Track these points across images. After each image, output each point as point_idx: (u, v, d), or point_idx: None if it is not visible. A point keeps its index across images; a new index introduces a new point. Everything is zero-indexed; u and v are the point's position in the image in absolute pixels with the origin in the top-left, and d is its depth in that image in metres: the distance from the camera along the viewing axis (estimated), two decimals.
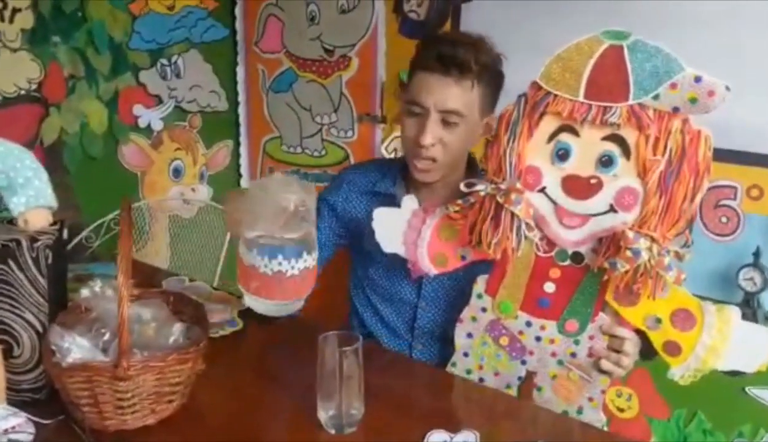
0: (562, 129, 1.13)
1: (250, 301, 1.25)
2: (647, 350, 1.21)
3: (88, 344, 1.03)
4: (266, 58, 2.83)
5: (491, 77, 1.34)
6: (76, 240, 2.42)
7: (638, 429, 2.15)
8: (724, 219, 1.91)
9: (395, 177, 1.49)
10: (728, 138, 1.70)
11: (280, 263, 1.16)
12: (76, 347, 1.01)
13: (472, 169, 1.46)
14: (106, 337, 1.08)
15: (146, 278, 1.70)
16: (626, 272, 1.10)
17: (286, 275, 1.17)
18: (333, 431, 1.08)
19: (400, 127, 1.41)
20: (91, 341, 1.06)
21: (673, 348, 1.15)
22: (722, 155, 1.14)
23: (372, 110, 2.62)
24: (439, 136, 1.32)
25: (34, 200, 1.13)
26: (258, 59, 2.85)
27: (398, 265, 1.39)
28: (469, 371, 1.30)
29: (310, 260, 1.20)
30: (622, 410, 2.16)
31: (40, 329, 1.10)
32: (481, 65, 1.30)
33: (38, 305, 1.10)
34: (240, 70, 2.89)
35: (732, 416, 2.01)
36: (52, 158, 2.49)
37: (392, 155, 2.53)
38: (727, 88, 1.03)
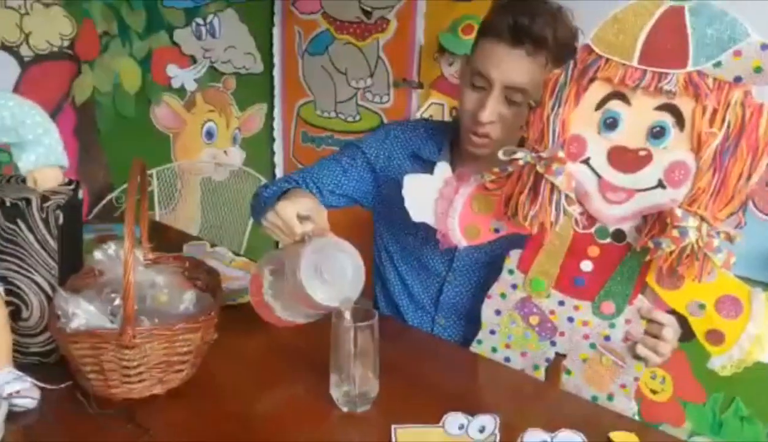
0: (612, 96, 1.04)
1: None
2: (684, 332, 1.15)
3: (94, 310, 1.00)
4: (303, 20, 2.76)
5: (567, 55, 1.19)
6: (105, 200, 2.42)
7: (671, 412, 2.09)
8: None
9: (441, 143, 1.41)
10: None
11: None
12: (81, 313, 0.98)
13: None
14: (116, 302, 1.04)
15: (170, 242, 1.69)
16: (671, 252, 1.02)
17: None
18: (346, 409, 1.03)
19: (459, 94, 1.32)
20: (100, 306, 1.02)
21: (716, 337, 1.07)
22: None
23: (409, 75, 2.55)
24: (499, 114, 1.23)
25: (44, 159, 1.09)
26: (295, 20, 2.79)
27: (432, 235, 1.31)
28: (494, 350, 1.24)
29: None
30: (655, 392, 2.09)
31: (50, 291, 1.07)
32: (559, 41, 1.19)
33: (48, 267, 1.07)
34: (276, 32, 2.84)
35: None
36: (83, 117, 2.49)
37: None
38: None
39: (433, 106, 2.48)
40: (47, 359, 1.10)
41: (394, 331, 1.30)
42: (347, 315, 1.02)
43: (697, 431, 2.05)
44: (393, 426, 0.99)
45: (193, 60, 2.72)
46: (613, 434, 1.00)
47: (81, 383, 1.03)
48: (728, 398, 1.99)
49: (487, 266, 1.34)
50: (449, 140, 1.40)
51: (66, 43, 2.38)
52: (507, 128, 1.25)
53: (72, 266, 1.12)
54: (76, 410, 1.00)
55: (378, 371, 1.04)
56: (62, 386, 1.03)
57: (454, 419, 1.01)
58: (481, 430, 0.99)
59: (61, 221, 1.06)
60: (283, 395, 1.10)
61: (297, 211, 1.12)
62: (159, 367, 1.02)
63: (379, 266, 1.52)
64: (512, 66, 1.20)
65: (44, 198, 1.05)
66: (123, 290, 0.92)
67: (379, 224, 1.51)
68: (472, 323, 1.30)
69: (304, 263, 1.02)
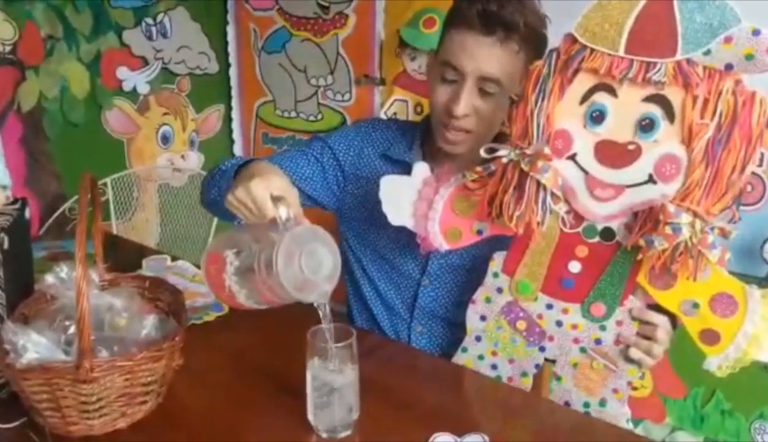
0: (597, 88, 0.99)
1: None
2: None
3: (46, 342, 0.91)
4: (258, 16, 2.68)
5: (537, 42, 1.18)
6: (57, 213, 2.31)
7: (652, 408, 2.07)
8: (748, 187, 1.77)
9: (412, 142, 1.34)
10: None
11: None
12: (32, 345, 0.89)
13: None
14: (71, 330, 0.95)
15: (128, 258, 1.61)
16: (664, 250, 0.98)
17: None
18: (325, 435, 0.96)
19: (429, 90, 1.25)
20: (53, 336, 0.94)
21: (711, 337, 1.04)
22: None
23: (370, 72, 2.49)
24: (473, 106, 1.18)
25: None
26: (249, 17, 2.70)
27: (403, 237, 1.26)
28: (481, 358, 1.19)
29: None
30: (635, 388, 2.05)
31: None
32: (530, 27, 1.14)
33: None
34: (230, 30, 2.74)
35: (753, 397, 1.92)
36: (30, 125, 2.40)
37: None
38: None
39: (396, 103, 2.43)
40: None
41: (372, 345, 1.23)
42: (326, 336, 0.94)
43: (678, 426, 2.04)
44: None
45: (145, 61, 2.63)
46: None
47: (36, 420, 0.95)
48: (709, 392, 1.98)
49: (464, 268, 1.28)
50: (419, 140, 1.34)
51: (8, 49, 2.28)
52: (482, 122, 1.20)
53: (22, 291, 1.04)
54: None
55: (358, 393, 0.97)
56: (15, 423, 0.96)
57: (441, 441, 0.95)
58: None
59: (6, 245, 0.98)
60: (258, 422, 1.02)
61: (270, 191, 1.01)
62: (121, 400, 0.94)
63: (350, 271, 1.45)
64: (484, 55, 1.14)
65: None
66: (77, 321, 0.84)
67: (344, 228, 1.43)
68: (450, 329, 1.25)
69: (281, 254, 0.91)
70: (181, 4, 2.64)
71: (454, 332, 1.23)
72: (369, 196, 1.32)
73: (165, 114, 2.72)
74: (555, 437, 0.98)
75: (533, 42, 1.16)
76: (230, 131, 2.86)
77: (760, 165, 1.75)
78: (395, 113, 2.43)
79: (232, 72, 2.79)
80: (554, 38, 1.12)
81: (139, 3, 2.55)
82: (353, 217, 1.40)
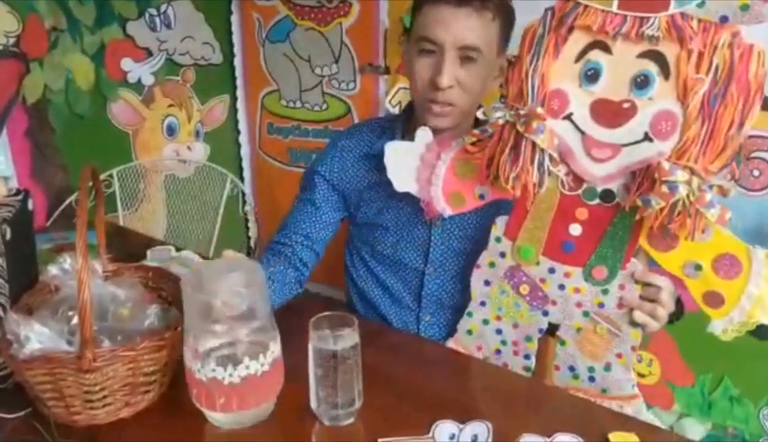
0: (592, 46, 0.99)
1: (218, 418, 0.97)
2: (671, 314, 1.10)
3: (49, 332, 0.92)
4: (261, 6, 2.67)
5: (507, 11, 1.21)
6: (64, 205, 2.32)
7: (660, 395, 2.04)
8: (756, 172, 1.74)
9: (393, 134, 1.35)
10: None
11: (247, 367, 0.93)
12: (35, 336, 0.90)
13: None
14: (74, 321, 0.95)
15: (134, 248, 1.62)
16: (661, 209, 0.97)
17: (257, 376, 0.94)
18: (328, 423, 0.96)
19: (408, 71, 1.26)
20: (56, 326, 0.94)
21: (715, 299, 1.02)
22: None
23: (375, 60, 2.46)
24: (456, 77, 1.18)
25: None
26: (253, 7, 2.69)
27: (403, 231, 1.31)
28: (486, 322, 1.19)
29: (275, 347, 0.97)
30: (642, 376, 2.04)
31: (0, 312, 0.99)
32: None
33: None
34: (235, 19, 2.73)
35: (761, 383, 1.89)
36: (36, 118, 2.39)
37: (396, 109, 2.39)
38: None
39: (401, 92, 2.41)
40: (3, 385, 1.02)
41: (374, 333, 1.23)
42: (326, 324, 0.95)
43: (686, 413, 2.01)
44: (379, 440, 0.92)
45: (149, 53, 2.61)
46: (612, 435, 0.95)
47: (41, 410, 0.96)
48: (716, 379, 1.95)
49: (465, 253, 1.29)
50: (400, 131, 1.35)
51: (12, 41, 2.26)
52: (465, 93, 1.21)
53: (25, 282, 1.04)
54: (36, 439, 0.93)
55: (361, 380, 0.96)
56: (20, 414, 0.97)
57: (444, 429, 0.95)
58: (474, 439, 0.93)
59: (8, 236, 0.98)
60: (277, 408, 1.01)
61: None
62: (124, 389, 0.94)
63: (351, 271, 1.46)
64: (461, 25, 1.16)
65: None
66: (79, 311, 0.84)
67: (352, 231, 1.47)
68: (457, 316, 1.25)
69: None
70: None
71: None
72: (363, 199, 1.36)
73: (170, 105, 2.71)
74: (558, 424, 0.96)
75: (504, 11, 1.19)
76: (236, 122, 2.85)
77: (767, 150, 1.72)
78: (400, 102, 2.41)
79: (237, 62, 2.77)
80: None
81: None
82: (355, 221, 1.42)
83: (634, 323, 1.08)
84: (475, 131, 1.08)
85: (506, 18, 1.20)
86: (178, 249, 1.64)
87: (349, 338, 0.94)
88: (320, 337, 0.94)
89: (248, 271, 0.95)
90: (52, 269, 1.04)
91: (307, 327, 0.95)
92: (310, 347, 0.95)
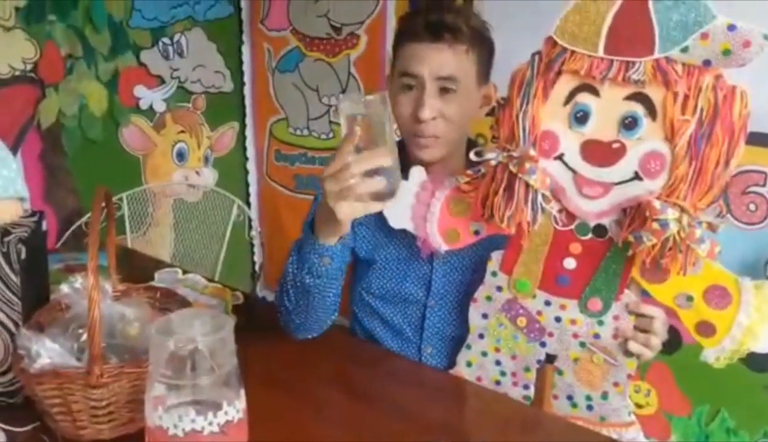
0: (580, 89, 1.02)
1: None
2: (666, 344, 1.13)
3: (59, 348, 0.95)
4: (272, 37, 2.73)
5: (483, 43, 1.26)
6: (74, 226, 2.36)
7: (657, 426, 2.04)
8: (752, 206, 1.76)
9: None
10: (757, 120, 1.57)
11: (193, 420, 0.84)
12: (45, 352, 0.93)
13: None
14: (83, 338, 0.98)
15: (141, 270, 1.64)
16: (653, 245, 1.00)
17: (203, 434, 0.84)
18: (389, 197, 1.05)
19: (393, 108, 1.29)
20: (65, 343, 0.97)
21: (707, 329, 1.05)
22: (751, 138, 1.04)
23: (381, 90, 2.49)
24: (438, 109, 1.23)
25: (2, 191, 1.04)
26: (264, 38, 2.75)
27: (404, 265, 1.32)
28: (485, 354, 1.21)
29: (233, 411, 0.87)
30: (640, 407, 2.05)
31: (13, 329, 1.02)
32: (472, 29, 1.22)
33: (11, 304, 1.02)
34: (245, 49, 2.80)
35: (757, 415, 1.88)
36: (50, 141, 2.44)
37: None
38: (765, 37, 0.92)
39: None
40: (12, 399, 1.05)
41: (373, 356, 1.25)
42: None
43: None
44: None
45: (161, 80, 2.68)
46: None
47: (48, 424, 0.98)
48: (713, 410, 1.95)
49: (465, 284, 1.30)
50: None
51: (29, 67, 2.33)
52: (449, 125, 1.25)
53: (37, 301, 1.07)
54: None
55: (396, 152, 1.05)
56: (29, 427, 0.99)
57: None
58: None
59: (23, 255, 1.01)
60: (265, 425, 0.98)
61: None
62: (130, 405, 0.96)
63: (354, 305, 1.45)
64: (437, 59, 1.21)
65: (5, 232, 1.00)
66: (88, 328, 0.88)
67: (357, 270, 1.45)
68: (459, 346, 1.26)
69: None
70: (197, 24, 2.69)
71: None
72: (363, 235, 1.36)
73: (180, 132, 2.76)
74: None
75: (479, 43, 1.24)
76: (244, 149, 2.91)
77: (764, 185, 1.75)
78: None
79: (247, 91, 2.84)
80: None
81: (157, 23, 2.60)
82: (359, 257, 1.41)
83: (629, 353, 1.11)
84: (469, 172, 1.11)
85: (483, 49, 1.25)
86: (185, 272, 1.67)
87: (380, 102, 1.05)
88: (355, 108, 1.05)
89: (213, 320, 0.88)
90: (64, 288, 1.07)
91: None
92: (346, 127, 1.07)
